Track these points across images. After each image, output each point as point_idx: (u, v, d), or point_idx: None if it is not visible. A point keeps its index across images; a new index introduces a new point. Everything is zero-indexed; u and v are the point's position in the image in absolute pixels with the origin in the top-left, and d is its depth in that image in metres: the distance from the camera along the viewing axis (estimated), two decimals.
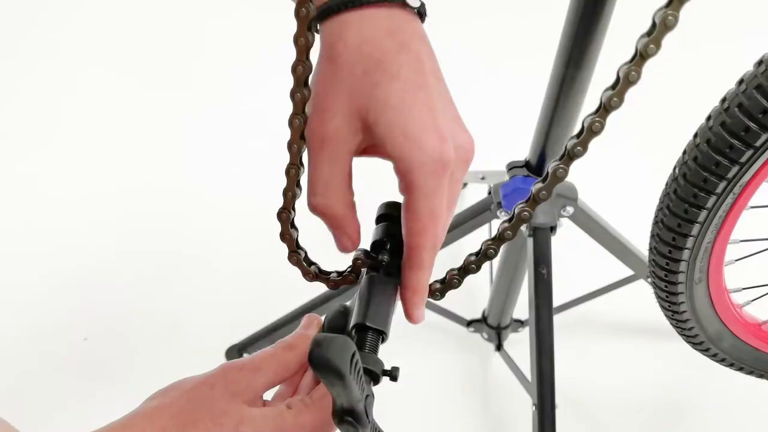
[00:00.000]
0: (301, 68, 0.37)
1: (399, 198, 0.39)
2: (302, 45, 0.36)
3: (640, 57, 0.37)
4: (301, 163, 0.41)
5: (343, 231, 0.40)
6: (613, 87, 0.38)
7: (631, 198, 1.17)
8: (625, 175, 1.31)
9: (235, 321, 1.13)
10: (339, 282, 0.45)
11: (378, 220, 0.43)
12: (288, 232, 0.43)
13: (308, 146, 0.38)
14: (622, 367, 1.13)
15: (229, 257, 1.26)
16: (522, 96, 1.26)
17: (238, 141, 1.47)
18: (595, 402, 1.08)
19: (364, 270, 0.43)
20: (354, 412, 0.32)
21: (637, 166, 1.33)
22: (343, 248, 0.41)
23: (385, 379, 0.38)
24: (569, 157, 0.40)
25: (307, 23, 0.35)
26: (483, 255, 0.45)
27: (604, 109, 0.39)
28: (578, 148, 0.40)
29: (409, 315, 0.41)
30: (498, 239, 0.44)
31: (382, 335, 0.39)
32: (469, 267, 0.45)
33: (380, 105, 0.35)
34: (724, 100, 0.52)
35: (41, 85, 1.60)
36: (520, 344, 1.11)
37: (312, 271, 0.45)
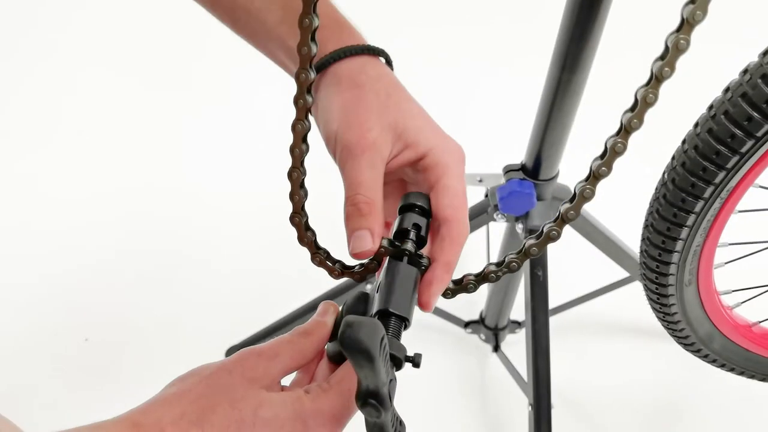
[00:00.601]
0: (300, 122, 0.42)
1: None
2: (301, 106, 0.42)
3: (656, 80, 0.39)
4: (303, 167, 0.43)
5: (371, 230, 0.42)
6: (632, 109, 0.40)
7: (626, 201, 1.18)
8: (621, 179, 1.32)
9: (235, 321, 1.14)
10: (363, 273, 0.46)
11: (401, 210, 0.44)
12: (305, 236, 0.45)
13: (348, 155, 0.43)
14: (618, 367, 1.14)
15: (229, 257, 1.27)
16: (518, 99, 1.27)
17: (237, 141, 1.49)
18: (592, 402, 1.10)
19: (386, 259, 0.43)
20: (378, 395, 0.33)
21: (633, 170, 1.34)
22: (362, 249, 0.42)
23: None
24: (594, 177, 0.42)
25: (308, 62, 0.40)
26: (506, 267, 0.45)
27: (626, 131, 0.40)
28: (603, 168, 0.41)
29: (425, 303, 0.43)
30: (523, 254, 0.45)
31: (405, 322, 0.39)
32: (489, 275, 0.46)
33: (407, 116, 0.44)
34: (711, 107, 0.53)
35: (41, 86, 1.61)
36: (517, 345, 1.12)
37: (337, 269, 0.46)
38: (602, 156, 0.41)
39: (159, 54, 1.68)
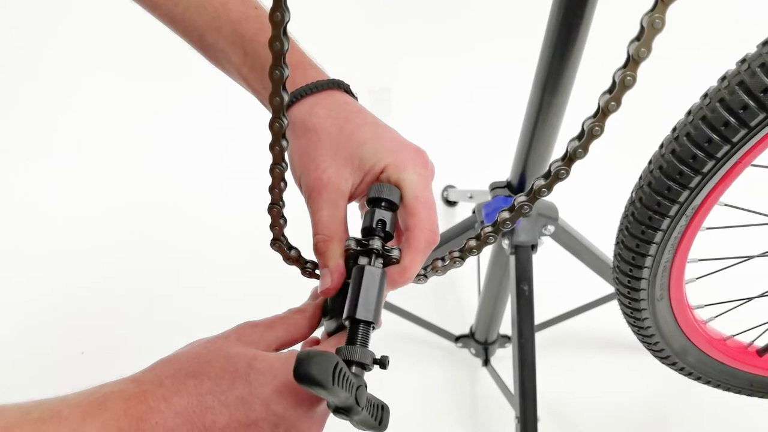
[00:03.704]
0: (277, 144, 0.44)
1: None
2: (277, 129, 0.43)
3: (621, 86, 0.39)
4: (285, 162, 0.45)
5: (329, 269, 0.44)
6: (595, 116, 0.41)
7: (610, 217, 1.20)
8: (605, 194, 1.34)
9: None
10: (313, 272, 0.49)
11: (368, 203, 0.45)
12: (288, 255, 0.48)
13: (309, 197, 0.45)
14: (604, 381, 1.16)
15: (224, 274, 1.29)
16: (506, 118, 1.30)
17: (233, 158, 1.51)
18: (579, 416, 1.11)
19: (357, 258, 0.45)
20: (345, 408, 0.36)
21: (617, 186, 1.37)
22: (324, 285, 0.44)
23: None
24: (570, 159, 0.43)
25: (282, 110, 0.42)
26: (466, 251, 0.48)
27: (603, 113, 0.40)
28: (579, 150, 0.42)
29: (395, 285, 0.44)
30: (482, 241, 0.47)
31: (372, 325, 0.41)
32: (455, 259, 0.48)
33: (360, 144, 0.45)
34: (674, 130, 0.55)
35: (38, 104, 1.64)
36: (507, 360, 1.14)
37: (292, 256, 0.48)
38: (579, 138, 0.42)
39: (156, 71, 1.71)
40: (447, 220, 1.39)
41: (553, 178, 0.43)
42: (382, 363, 0.40)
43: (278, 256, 0.49)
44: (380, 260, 0.44)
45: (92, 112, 1.62)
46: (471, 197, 1.20)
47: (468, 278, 1.24)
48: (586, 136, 0.41)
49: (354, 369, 0.39)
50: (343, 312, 0.42)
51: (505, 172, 0.95)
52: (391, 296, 1.10)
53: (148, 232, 1.36)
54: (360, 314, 0.41)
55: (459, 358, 1.17)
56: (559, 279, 1.20)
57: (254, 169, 1.44)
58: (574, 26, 0.71)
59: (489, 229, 0.47)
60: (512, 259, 0.94)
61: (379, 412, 0.40)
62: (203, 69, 1.80)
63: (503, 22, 1.84)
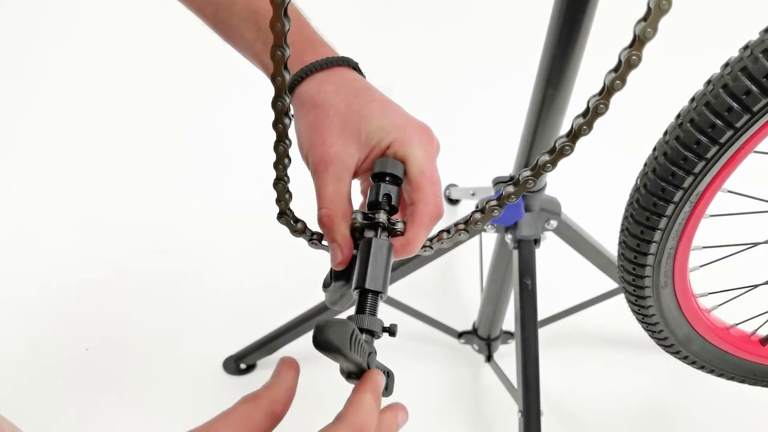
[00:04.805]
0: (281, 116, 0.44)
1: None
2: (279, 108, 0.44)
3: (627, 66, 0.39)
4: (288, 139, 0.46)
5: (338, 244, 0.45)
6: (599, 93, 0.41)
7: (613, 211, 1.22)
8: (607, 189, 1.35)
9: (232, 333, 1.17)
10: (319, 243, 0.49)
11: (373, 178, 0.46)
12: (295, 228, 0.49)
13: (315, 171, 0.46)
14: (607, 377, 1.16)
15: (227, 270, 1.30)
16: (508, 114, 1.31)
17: (236, 160, 1.52)
18: (582, 412, 1.11)
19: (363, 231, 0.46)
20: (358, 373, 0.37)
21: (618, 181, 1.38)
22: (336, 259, 0.45)
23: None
24: (575, 135, 0.43)
25: (284, 89, 0.43)
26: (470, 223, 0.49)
27: (608, 91, 0.41)
28: (584, 127, 0.43)
29: (399, 257, 0.45)
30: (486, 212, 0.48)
31: (380, 294, 0.43)
32: (459, 231, 0.50)
33: (368, 120, 0.46)
34: (678, 116, 0.56)
35: (42, 102, 1.65)
36: (509, 356, 1.14)
37: (299, 228, 0.49)
38: (584, 115, 0.43)
39: (160, 69, 1.72)
40: (450, 218, 1.40)
41: (558, 153, 0.44)
42: (391, 331, 0.42)
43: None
44: (385, 233, 0.45)
45: (98, 111, 1.63)
46: (473, 194, 1.21)
47: (470, 275, 1.25)
48: (590, 113, 0.42)
49: (364, 336, 0.40)
50: (344, 283, 0.44)
51: (506, 170, 0.96)
52: (394, 292, 1.11)
53: (153, 230, 1.37)
54: (369, 284, 0.42)
55: (462, 354, 1.18)
56: (562, 275, 1.20)
57: (258, 167, 1.45)
58: (577, 21, 0.72)
59: (494, 202, 0.48)
60: (515, 253, 0.94)
61: (387, 378, 0.41)
62: (204, 70, 1.81)
63: (503, 22, 1.86)
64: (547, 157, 0.45)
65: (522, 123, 0.85)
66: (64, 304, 1.22)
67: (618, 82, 0.41)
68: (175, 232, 1.36)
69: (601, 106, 0.42)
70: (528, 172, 0.46)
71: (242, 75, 1.68)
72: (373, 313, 0.42)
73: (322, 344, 0.34)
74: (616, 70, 0.41)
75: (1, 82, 1.70)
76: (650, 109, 1.33)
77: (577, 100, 0.81)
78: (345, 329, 0.34)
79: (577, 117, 0.43)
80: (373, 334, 0.41)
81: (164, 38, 1.79)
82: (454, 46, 1.80)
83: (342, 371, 0.38)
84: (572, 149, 0.44)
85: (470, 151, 1.51)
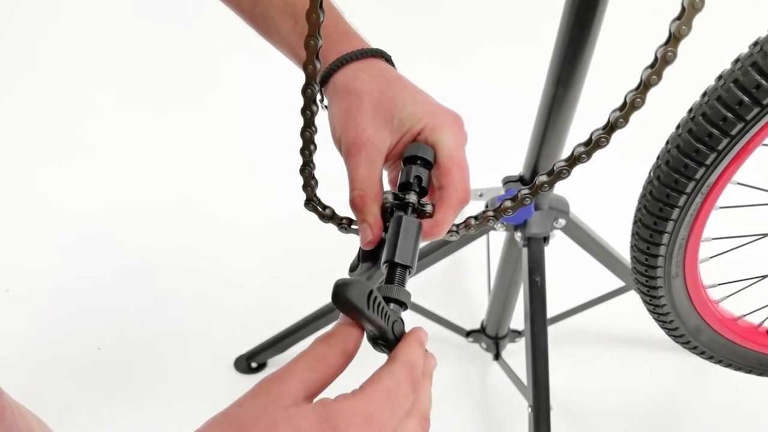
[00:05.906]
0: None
1: None
2: (309, 95, 0.46)
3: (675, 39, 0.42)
4: (314, 126, 0.48)
5: (369, 224, 0.47)
6: (636, 89, 0.44)
7: (622, 211, 1.24)
8: (616, 188, 1.38)
9: (244, 331, 1.18)
10: (349, 227, 0.51)
11: (405, 161, 0.48)
12: (324, 213, 0.51)
13: (348, 154, 0.48)
14: (615, 374, 1.18)
15: (238, 270, 1.31)
16: (517, 114, 1.33)
17: (248, 157, 1.54)
18: (590, 408, 1.13)
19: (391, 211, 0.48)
20: (384, 339, 0.38)
21: (626, 183, 1.40)
22: (365, 238, 0.47)
23: None
24: (611, 128, 0.46)
25: (316, 78, 0.45)
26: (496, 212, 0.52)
27: (645, 86, 0.43)
28: (621, 120, 0.45)
29: (427, 238, 0.47)
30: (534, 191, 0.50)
31: (408, 269, 0.44)
32: (488, 215, 0.52)
33: (400, 107, 0.48)
34: (690, 110, 0.58)
35: (56, 103, 1.67)
36: (517, 355, 1.16)
37: (327, 214, 0.51)
38: (621, 108, 0.45)
39: (170, 71, 1.75)
40: (456, 220, 1.41)
41: (594, 145, 0.47)
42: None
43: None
44: (415, 214, 0.47)
45: (113, 111, 1.65)
46: (481, 195, 1.22)
47: (478, 274, 1.27)
48: (627, 107, 0.45)
49: (392, 306, 0.42)
50: (371, 264, 0.46)
51: (512, 172, 0.98)
52: None
53: (165, 228, 1.38)
54: (398, 258, 0.44)
55: (470, 353, 1.19)
56: (570, 274, 1.22)
57: (271, 167, 1.48)
58: (587, 20, 0.74)
59: (526, 191, 0.50)
60: (525, 251, 0.96)
61: None
62: (209, 71, 1.83)
63: (511, 22, 1.89)
64: (582, 149, 0.47)
65: (528, 124, 0.87)
66: (77, 302, 1.24)
67: (654, 77, 0.43)
68: (187, 231, 1.38)
69: (638, 100, 0.44)
70: (562, 162, 0.48)
71: (254, 73, 1.72)
72: (402, 284, 0.43)
73: (339, 301, 0.34)
74: (652, 66, 0.43)
75: (6, 84, 1.72)
76: (658, 113, 1.35)
77: (586, 100, 0.83)
78: (363, 288, 0.35)
79: (614, 111, 0.46)
80: (401, 304, 0.42)
81: (170, 36, 1.81)
82: (461, 46, 1.82)
83: (368, 336, 0.39)
84: (608, 141, 0.46)
85: (476, 153, 1.53)
